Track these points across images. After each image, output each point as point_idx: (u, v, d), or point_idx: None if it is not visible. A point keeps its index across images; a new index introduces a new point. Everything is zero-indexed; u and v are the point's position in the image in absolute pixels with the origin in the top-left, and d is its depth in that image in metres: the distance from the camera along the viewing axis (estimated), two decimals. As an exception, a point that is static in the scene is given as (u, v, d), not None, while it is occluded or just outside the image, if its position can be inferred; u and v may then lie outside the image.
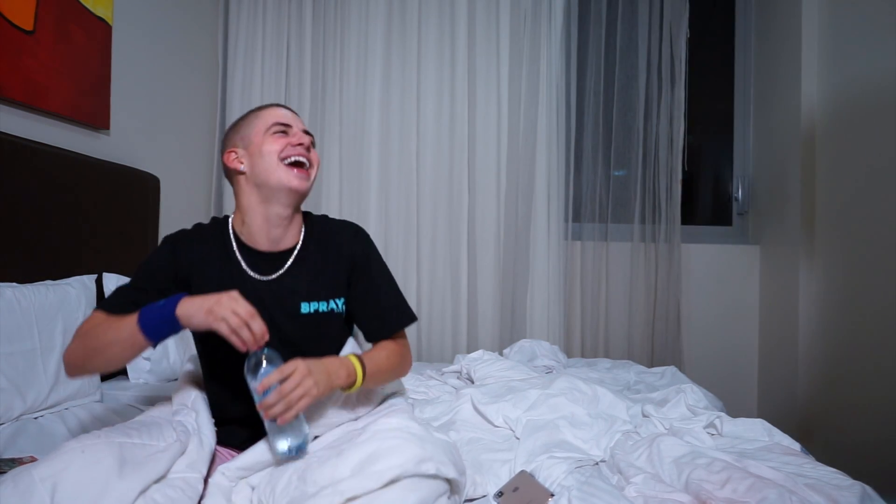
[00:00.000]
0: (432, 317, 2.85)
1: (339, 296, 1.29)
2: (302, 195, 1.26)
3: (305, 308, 1.25)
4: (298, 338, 1.25)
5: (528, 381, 1.73)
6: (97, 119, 2.08)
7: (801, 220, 2.45)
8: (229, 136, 1.29)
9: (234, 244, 1.26)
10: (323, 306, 1.26)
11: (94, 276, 1.87)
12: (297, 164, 1.23)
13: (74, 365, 1.13)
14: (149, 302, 1.11)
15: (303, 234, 1.30)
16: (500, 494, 1.13)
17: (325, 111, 2.89)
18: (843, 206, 2.27)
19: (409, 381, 1.98)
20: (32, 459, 1.20)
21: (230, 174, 1.28)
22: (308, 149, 1.26)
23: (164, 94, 2.51)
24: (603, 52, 2.84)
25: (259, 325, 1.04)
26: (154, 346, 1.08)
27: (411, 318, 1.36)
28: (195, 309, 1.04)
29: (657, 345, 2.78)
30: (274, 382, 1.04)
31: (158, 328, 1.06)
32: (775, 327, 2.67)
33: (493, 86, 2.84)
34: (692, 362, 2.82)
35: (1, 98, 1.68)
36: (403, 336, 1.37)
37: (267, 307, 1.20)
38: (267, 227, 1.25)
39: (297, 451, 1.07)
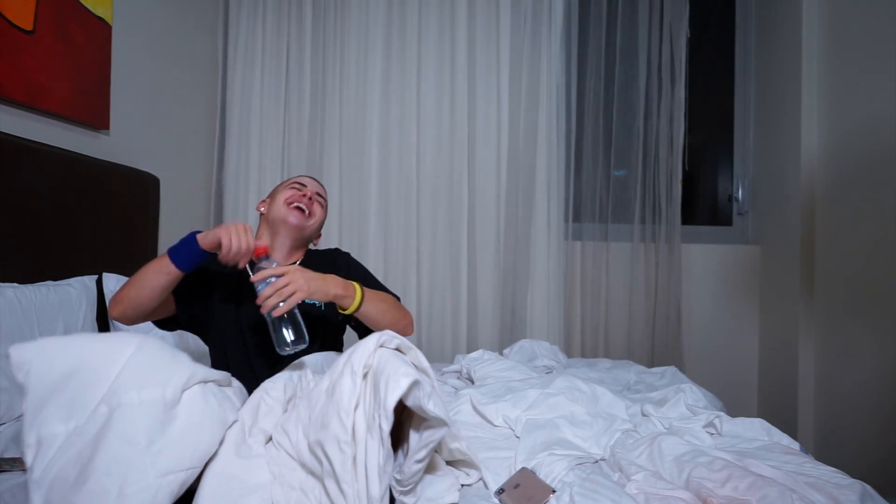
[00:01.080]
0: (432, 317, 2.85)
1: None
2: (298, 231, 1.56)
3: (308, 300, 1.39)
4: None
5: (527, 381, 1.73)
6: (97, 119, 2.09)
7: (801, 221, 2.45)
8: (267, 199, 1.66)
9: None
10: (317, 301, 1.42)
11: (95, 276, 1.87)
12: (298, 209, 1.56)
13: (117, 300, 1.31)
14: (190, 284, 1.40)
15: (301, 258, 1.62)
16: (501, 491, 1.13)
17: (325, 111, 2.89)
18: (843, 206, 2.27)
19: (409, 380, 1.98)
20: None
21: (261, 218, 1.65)
22: (311, 199, 1.59)
23: (164, 94, 2.51)
24: (603, 52, 2.84)
25: (249, 239, 1.26)
26: (181, 270, 1.28)
27: (394, 296, 1.56)
28: (208, 231, 1.29)
29: (657, 345, 2.78)
30: (269, 276, 1.22)
31: (180, 250, 1.28)
32: (775, 327, 2.67)
33: (493, 86, 2.84)
34: (692, 362, 2.82)
35: (1, 98, 1.68)
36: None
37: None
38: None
39: (297, 344, 1.21)
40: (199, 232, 1.29)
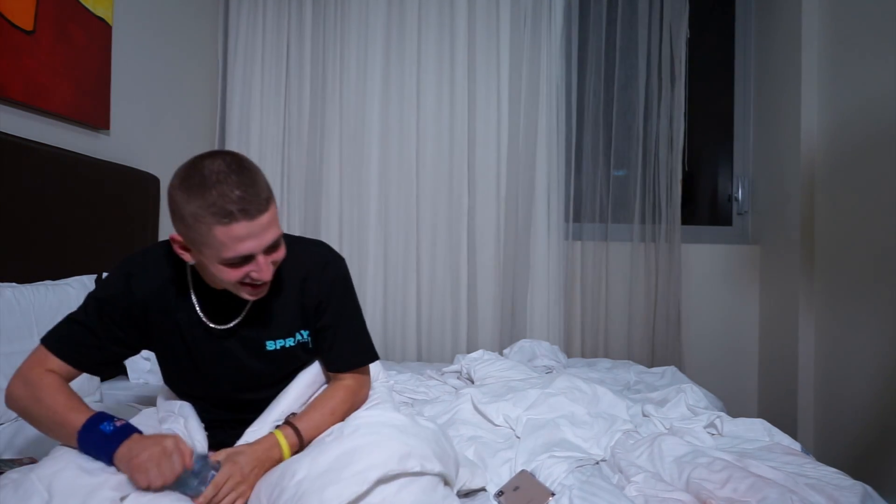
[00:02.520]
0: (432, 317, 2.85)
1: (305, 328, 1.25)
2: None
3: (271, 346, 1.21)
4: (266, 372, 1.23)
5: (528, 381, 1.73)
6: (97, 119, 2.08)
7: (801, 220, 2.45)
8: (174, 216, 1.05)
9: (190, 283, 1.18)
10: (290, 342, 1.23)
11: (94, 276, 1.87)
12: (252, 286, 1.10)
13: (14, 408, 1.10)
14: (94, 346, 1.13)
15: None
16: (500, 493, 1.13)
17: (325, 111, 2.89)
18: (842, 206, 2.27)
19: (409, 381, 1.98)
20: (32, 461, 1.19)
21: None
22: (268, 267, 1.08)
23: (164, 94, 2.51)
24: (603, 52, 2.84)
25: (172, 468, 0.97)
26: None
27: (371, 357, 1.30)
28: (124, 465, 0.98)
29: (657, 345, 2.78)
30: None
31: (90, 450, 1.02)
32: (775, 327, 2.67)
33: (493, 86, 2.84)
34: (692, 362, 2.82)
35: (1, 98, 1.68)
36: (363, 371, 1.31)
37: (229, 352, 1.19)
38: (218, 285, 1.15)
39: None
40: (123, 440, 1.00)
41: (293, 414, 1.20)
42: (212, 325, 1.18)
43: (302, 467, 0.98)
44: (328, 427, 1.14)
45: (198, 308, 1.18)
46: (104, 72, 2.12)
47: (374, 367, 1.38)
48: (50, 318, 1.56)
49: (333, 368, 1.27)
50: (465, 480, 1.14)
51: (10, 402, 1.10)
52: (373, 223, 2.86)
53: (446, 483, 1.04)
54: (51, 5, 1.85)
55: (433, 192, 2.85)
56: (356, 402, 1.26)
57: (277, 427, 1.15)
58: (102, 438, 1.00)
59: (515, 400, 1.56)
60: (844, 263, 2.25)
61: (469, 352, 2.52)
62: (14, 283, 1.57)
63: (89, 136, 2.08)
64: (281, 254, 1.11)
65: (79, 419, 1.02)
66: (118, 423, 1.02)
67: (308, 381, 1.27)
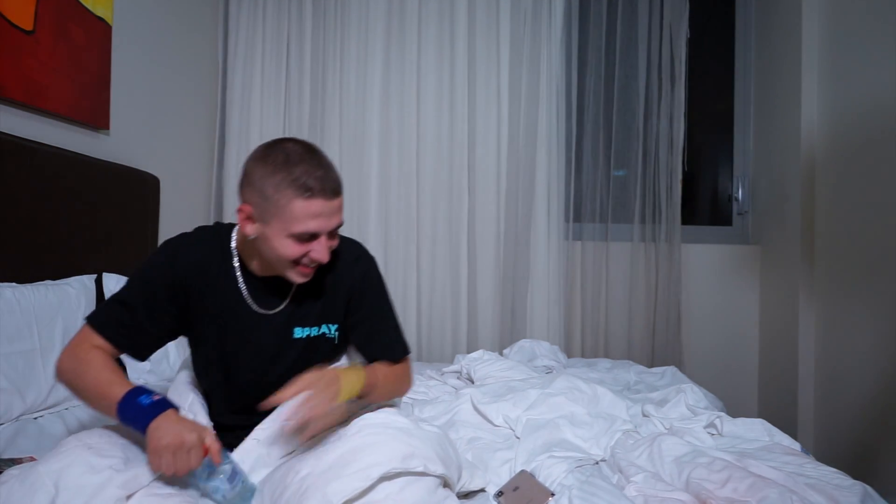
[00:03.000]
0: (432, 317, 2.85)
1: (332, 322, 1.27)
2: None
3: (298, 333, 1.24)
4: (289, 361, 1.24)
5: (527, 381, 1.73)
6: (97, 119, 2.08)
7: (801, 220, 2.45)
8: (250, 188, 1.11)
9: (236, 266, 1.21)
10: (315, 331, 1.25)
11: (94, 276, 1.87)
12: (306, 268, 1.16)
13: (62, 380, 1.15)
14: (135, 327, 1.16)
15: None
16: (500, 494, 1.13)
17: (325, 111, 2.89)
18: (843, 206, 2.27)
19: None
20: (32, 460, 1.20)
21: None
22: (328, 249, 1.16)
23: (164, 94, 2.51)
24: (603, 52, 2.84)
25: (190, 462, 1.00)
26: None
27: (405, 351, 1.32)
28: (156, 438, 0.99)
29: (657, 345, 2.78)
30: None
31: (129, 422, 1.05)
32: (775, 327, 2.67)
33: (493, 86, 2.84)
34: (692, 362, 2.82)
35: (1, 98, 1.68)
36: (405, 363, 1.33)
37: (262, 336, 1.22)
38: (265, 268, 1.21)
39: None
40: (160, 413, 1.03)
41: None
42: (255, 307, 1.21)
43: (306, 465, 0.99)
44: (390, 385, 1.21)
45: (244, 291, 1.21)
46: (104, 72, 2.12)
47: None
48: (50, 319, 1.56)
49: (375, 360, 1.28)
50: (465, 482, 1.14)
51: (59, 376, 1.15)
52: (373, 223, 2.86)
53: (447, 485, 1.04)
54: (51, 5, 1.85)
55: (433, 192, 2.85)
56: (402, 381, 1.29)
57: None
58: (140, 411, 1.03)
59: (515, 400, 1.56)
60: (844, 263, 2.25)
61: (469, 352, 2.52)
62: (14, 283, 1.57)
63: (89, 136, 2.08)
64: (336, 242, 1.18)
65: (119, 392, 1.05)
66: (155, 398, 1.05)
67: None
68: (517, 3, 2.83)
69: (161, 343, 1.23)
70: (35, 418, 1.47)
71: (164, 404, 1.04)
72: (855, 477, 1.13)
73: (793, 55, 2.53)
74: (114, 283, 1.94)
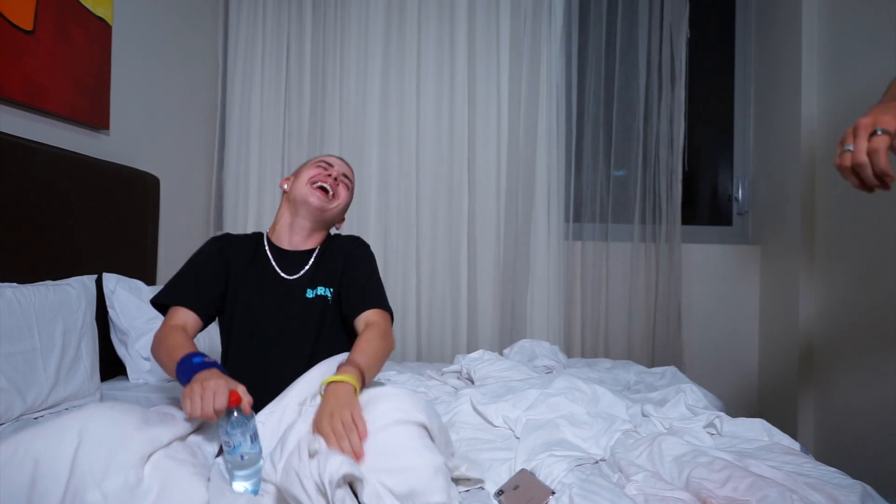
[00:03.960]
0: (432, 317, 2.85)
1: (330, 285, 1.52)
2: (319, 213, 1.53)
3: (310, 294, 1.50)
4: (299, 322, 1.48)
5: (527, 381, 1.73)
6: (97, 119, 2.08)
7: (801, 220, 2.45)
8: (290, 177, 1.62)
9: (266, 246, 1.56)
10: (320, 291, 1.51)
11: (94, 276, 1.87)
12: (321, 189, 1.53)
13: (155, 360, 1.37)
14: (195, 284, 1.46)
15: (321, 243, 1.59)
16: (500, 493, 1.13)
17: (325, 111, 2.89)
18: (843, 206, 2.27)
19: (409, 381, 1.98)
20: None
21: (282, 196, 1.61)
22: (336, 180, 1.55)
23: (164, 94, 2.51)
24: (603, 52, 2.84)
25: (217, 402, 1.09)
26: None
27: (389, 307, 1.51)
28: (191, 382, 1.15)
29: (657, 345, 2.78)
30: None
31: (181, 378, 1.22)
32: (775, 327, 2.67)
33: (493, 86, 2.84)
34: (692, 362, 2.82)
35: (1, 98, 1.68)
36: (386, 318, 1.47)
37: (284, 297, 1.49)
38: (290, 232, 1.56)
39: (255, 493, 1.08)
40: (207, 367, 1.20)
41: (340, 365, 1.27)
42: (281, 273, 1.51)
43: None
44: (379, 362, 1.32)
45: (273, 262, 1.53)
46: (104, 72, 2.12)
47: None
48: (50, 319, 1.56)
49: (360, 308, 1.46)
50: (463, 468, 1.16)
51: (153, 350, 1.37)
52: (373, 223, 2.86)
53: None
54: (51, 5, 1.85)
55: (433, 191, 2.85)
56: (388, 343, 1.40)
57: (339, 372, 1.21)
58: (190, 367, 1.20)
59: (515, 401, 1.55)
60: (844, 263, 2.25)
61: (469, 352, 2.52)
62: (14, 283, 1.57)
63: (89, 136, 2.08)
64: (344, 191, 1.58)
65: (180, 355, 1.25)
66: (207, 360, 1.23)
67: (321, 372, 1.31)
68: (517, 3, 2.83)
69: (214, 302, 1.48)
70: (35, 418, 1.47)
71: (212, 364, 1.21)
72: (855, 477, 1.13)
73: (793, 55, 2.53)
74: (114, 283, 1.95)
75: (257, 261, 1.53)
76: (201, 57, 2.84)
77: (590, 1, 2.85)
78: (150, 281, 2.28)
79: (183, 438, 1.09)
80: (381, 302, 1.49)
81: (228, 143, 2.92)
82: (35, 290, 1.57)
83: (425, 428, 1.06)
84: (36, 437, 0.95)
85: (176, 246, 2.52)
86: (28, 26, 1.77)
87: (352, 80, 2.88)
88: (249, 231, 2.75)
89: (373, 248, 2.80)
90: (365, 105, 2.87)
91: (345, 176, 1.58)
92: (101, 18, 2.09)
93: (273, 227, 1.59)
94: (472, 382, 1.92)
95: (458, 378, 2.02)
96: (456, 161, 2.84)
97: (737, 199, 2.96)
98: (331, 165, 1.57)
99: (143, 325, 1.94)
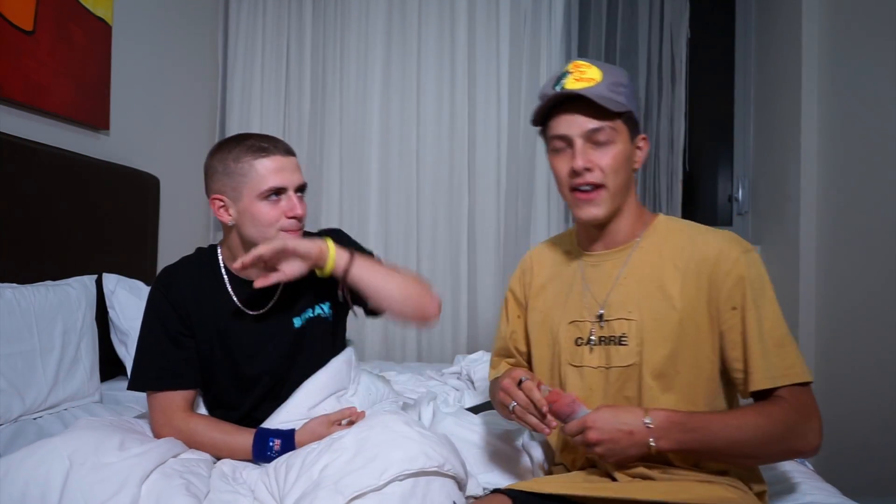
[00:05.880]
0: (432, 317, 2.84)
1: (324, 300, 1.32)
2: None
3: (297, 323, 1.29)
4: (293, 350, 1.29)
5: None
6: (97, 119, 2.08)
7: (801, 220, 2.45)
8: (215, 176, 1.22)
9: (225, 277, 1.28)
10: (311, 313, 1.30)
11: (94, 276, 1.87)
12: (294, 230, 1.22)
13: (182, 438, 1.19)
14: (182, 359, 1.22)
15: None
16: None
17: (325, 111, 2.89)
18: (843, 206, 2.26)
19: (409, 381, 1.98)
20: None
21: (218, 220, 1.26)
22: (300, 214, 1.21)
23: (164, 94, 2.51)
24: (603, 52, 2.84)
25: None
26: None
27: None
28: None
29: (657, 345, 2.77)
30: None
31: (271, 457, 1.13)
32: (775, 327, 2.66)
33: (493, 86, 2.84)
34: (692, 362, 2.82)
35: (1, 98, 1.68)
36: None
37: (263, 334, 1.27)
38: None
39: None
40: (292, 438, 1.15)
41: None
42: (248, 310, 1.26)
43: (323, 459, 1.00)
44: (384, 272, 1.22)
45: (234, 297, 1.26)
46: (104, 72, 2.12)
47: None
48: (50, 319, 1.56)
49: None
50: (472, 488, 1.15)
51: (185, 439, 1.19)
52: (373, 223, 2.85)
53: (459, 488, 1.05)
54: (51, 5, 1.85)
55: (433, 191, 2.85)
56: (421, 282, 1.28)
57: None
58: (273, 449, 1.14)
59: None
60: (845, 263, 2.25)
61: (469, 352, 2.52)
62: (14, 284, 1.56)
63: (89, 136, 2.08)
64: (305, 207, 1.22)
65: (245, 439, 1.16)
66: (276, 444, 1.15)
67: (320, 383, 1.28)
68: (517, 2, 2.82)
69: (198, 366, 1.28)
70: (34, 419, 1.47)
71: (288, 440, 1.14)
72: (856, 479, 1.12)
73: (793, 55, 2.53)
74: (114, 283, 1.94)
75: (221, 300, 1.26)
76: (201, 57, 2.84)
77: (590, 1, 2.84)
78: (150, 281, 2.27)
79: (175, 455, 1.08)
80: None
81: (228, 143, 2.92)
82: (35, 291, 1.57)
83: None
84: (23, 463, 0.93)
85: (176, 246, 2.51)
86: (28, 26, 1.76)
87: (352, 80, 2.88)
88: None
89: (373, 248, 2.82)
90: (365, 105, 2.87)
91: (301, 188, 1.23)
92: (101, 18, 2.09)
93: (229, 255, 1.28)
94: (472, 383, 1.92)
95: (458, 379, 2.01)
96: (456, 161, 2.84)
97: (737, 199, 2.95)
98: (285, 190, 1.19)
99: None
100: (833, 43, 2.36)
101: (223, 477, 1.10)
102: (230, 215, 1.21)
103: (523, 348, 1.24)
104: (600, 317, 1.07)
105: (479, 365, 1.96)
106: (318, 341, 1.31)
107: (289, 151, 1.23)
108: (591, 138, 1.05)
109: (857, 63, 2.20)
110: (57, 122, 1.92)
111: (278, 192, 1.18)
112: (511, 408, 1.01)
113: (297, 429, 1.17)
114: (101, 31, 2.09)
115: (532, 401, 0.97)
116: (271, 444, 1.15)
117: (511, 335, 1.25)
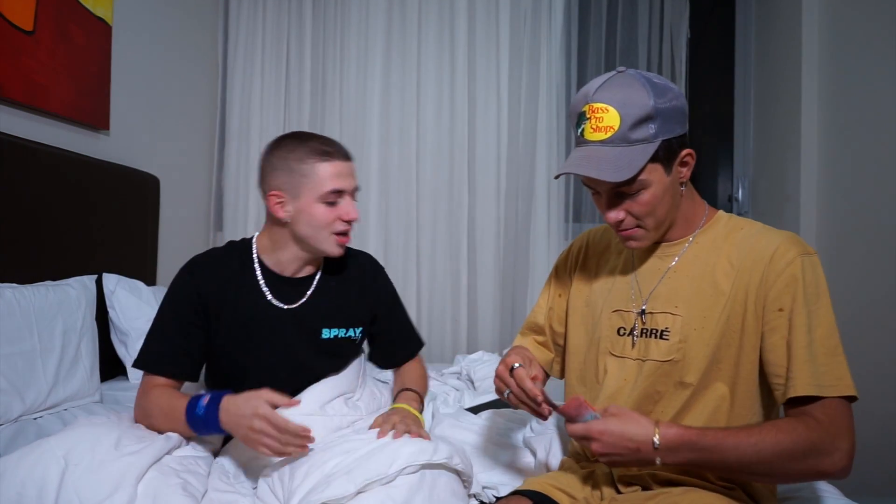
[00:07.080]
0: (432, 317, 2.85)
1: (357, 325, 1.37)
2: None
3: (326, 334, 1.32)
4: (315, 362, 1.31)
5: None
6: (97, 119, 2.08)
7: (800, 220, 2.45)
8: (274, 173, 1.23)
9: (257, 270, 1.29)
10: (342, 332, 1.34)
11: (94, 276, 1.87)
12: (344, 235, 1.27)
13: (141, 418, 1.20)
14: (183, 352, 1.23)
15: (322, 263, 1.35)
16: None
17: (326, 111, 2.89)
18: (843, 206, 2.26)
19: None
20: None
21: (268, 215, 1.28)
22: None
23: (164, 94, 2.51)
24: (603, 52, 2.84)
25: (295, 428, 1.06)
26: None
27: (421, 345, 1.55)
28: (233, 428, 1.09)
29: (657, 345, 2.77)
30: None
31: (203, 433, 1.15)
32: (775, 327, 2.66)
33: (493, 86, 2.84)
34: (692, 362, 2.82)
35: (1, 98, 1.68)
36: (419, 355, 1.56)
37: (288, 334, 1.28)
38: (297, 263, 1.30)
39: None
40: (217, 411, 1.10)
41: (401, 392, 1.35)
42: (277, 303, 1.27)
43: (334, 458, 1.03)
44: (423, 382, 1.44)
45: (265, 289, 1.27)
46: (104, 72, 2.12)
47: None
48: (50, 319, 1.56)
49: (405, 359, 1.50)
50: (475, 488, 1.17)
51: (140, 418, 1.20)
52: (373, 223, 2.85)
53: (465, 486, 1.10)
54: (51, 5, 1.85)
55: (433, 191, 2.85)
56: (426, 373, 1.51)
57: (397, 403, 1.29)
58: (201, 421, 1.11)
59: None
60: (845, 264, 2.25)
61: (469, 352, 2.52)
62: (14, 284, 1.56)
63: (89, 136, 2.08)
64: (358, 212, 1.27)
65: (180, 413, 1.13)
66: (205, 402, 1.11)
67: (331, 383, 1.30)
68: (517, 2, 2.82)
69: (204, 359, 1.30)
70: (35, 419, 1.47)
71: (215, 401, 1.10)
72: (857, 480, 1.12)
73: (793, 55, 2.53)
74: (114, 283, 1.94)
75: (249, 292, 1.27)
76: (201, 57, 2.84)
77: (590, 1, 2.85)
78: (150, 281, 2.28)
79: (170, 452, 1.08)
80: (418, 344, 1.54)
81: (228, 143, 2.92)
82: (35, 291, 1.57)
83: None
84: (19, 464, 0.93)
85: (176, 246, 2.52)
86: (28, 26, 1.76)
87: (352, 80, 2.88)
88: (250, 230, 2.74)
89: (373, 248, 2.84)
90: (365, 105, 2.87)
91: (354, 195, 1.30)
92: (100, 18, 2.09)
93: (269, 248, 1.30)
94: (472, 383, 1.92)
95: (458, 379, 2.02)
96: (456, 161, 2.84)
97: (737, 200, 2.95)
98: (343, 193, 1.24)
99: (144, 325, 1.91)
100: (833, 43, 2.36)
101: (223, 476, 1.10)
102: (286, 212, 1.23)
103: (559, 328, 1.21)
104: (644, 310, 1.05)
105: (479, 365, 1.96)
106: (341, 357, 1.37)
107: (347, 156, 1.27)
108: (618, 190, 1.00)
109: (857, 63, 2.20)
110: (57, 122, 1.92)
111: (337, 195, 1.23)
112: (506, 395, 1.02)
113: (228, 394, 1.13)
114: (100, 31, 2.09)
115: (524, 390, 0.97)
116: (201, 400, 1.12)
117: (549, 312, 1.24)
